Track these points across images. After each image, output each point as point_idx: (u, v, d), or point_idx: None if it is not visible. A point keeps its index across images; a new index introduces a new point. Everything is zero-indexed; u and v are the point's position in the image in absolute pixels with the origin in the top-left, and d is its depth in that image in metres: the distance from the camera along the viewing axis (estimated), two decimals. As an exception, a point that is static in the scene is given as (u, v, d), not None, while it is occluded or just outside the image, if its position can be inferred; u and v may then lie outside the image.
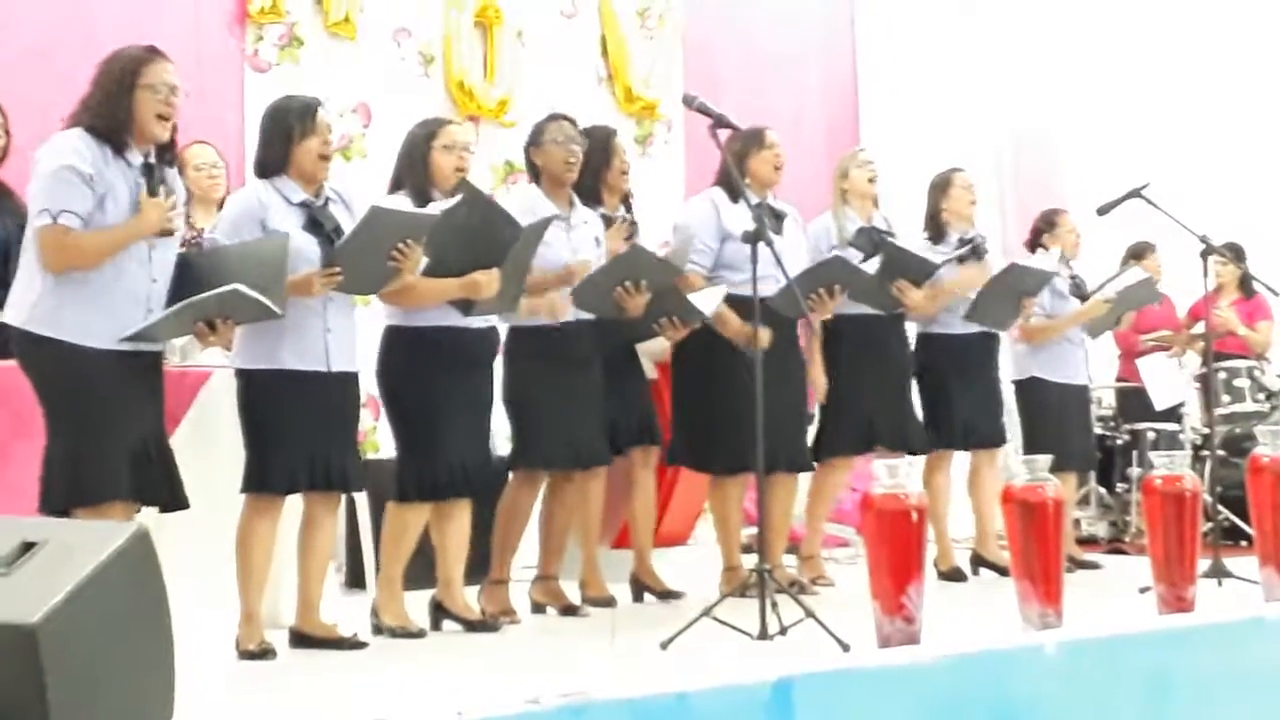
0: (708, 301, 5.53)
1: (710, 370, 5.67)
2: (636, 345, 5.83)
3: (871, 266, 6.04)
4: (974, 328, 6.59)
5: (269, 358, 4.60)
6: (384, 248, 4.62)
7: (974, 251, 6.58)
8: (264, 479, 4.61)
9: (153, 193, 4.20)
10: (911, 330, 6.70)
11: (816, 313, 5.79)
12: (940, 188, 6.73)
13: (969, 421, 6.60)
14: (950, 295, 6.46)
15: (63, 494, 4.09)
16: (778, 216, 5.86)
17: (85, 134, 4.16)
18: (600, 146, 5.70)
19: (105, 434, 4.11)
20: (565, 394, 5.34)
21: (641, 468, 5.89)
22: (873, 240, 6.17)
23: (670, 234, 6.02)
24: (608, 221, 5.66)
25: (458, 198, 4.81)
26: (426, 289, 4.87)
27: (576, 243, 5.41)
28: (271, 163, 4.68)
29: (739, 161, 5.73)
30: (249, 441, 4.65)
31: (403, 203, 4.87)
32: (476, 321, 5.03)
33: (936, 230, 6.68)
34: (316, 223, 4.62)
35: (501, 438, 5.54)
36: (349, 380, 4.75)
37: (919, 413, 6.53)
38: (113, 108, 4.18)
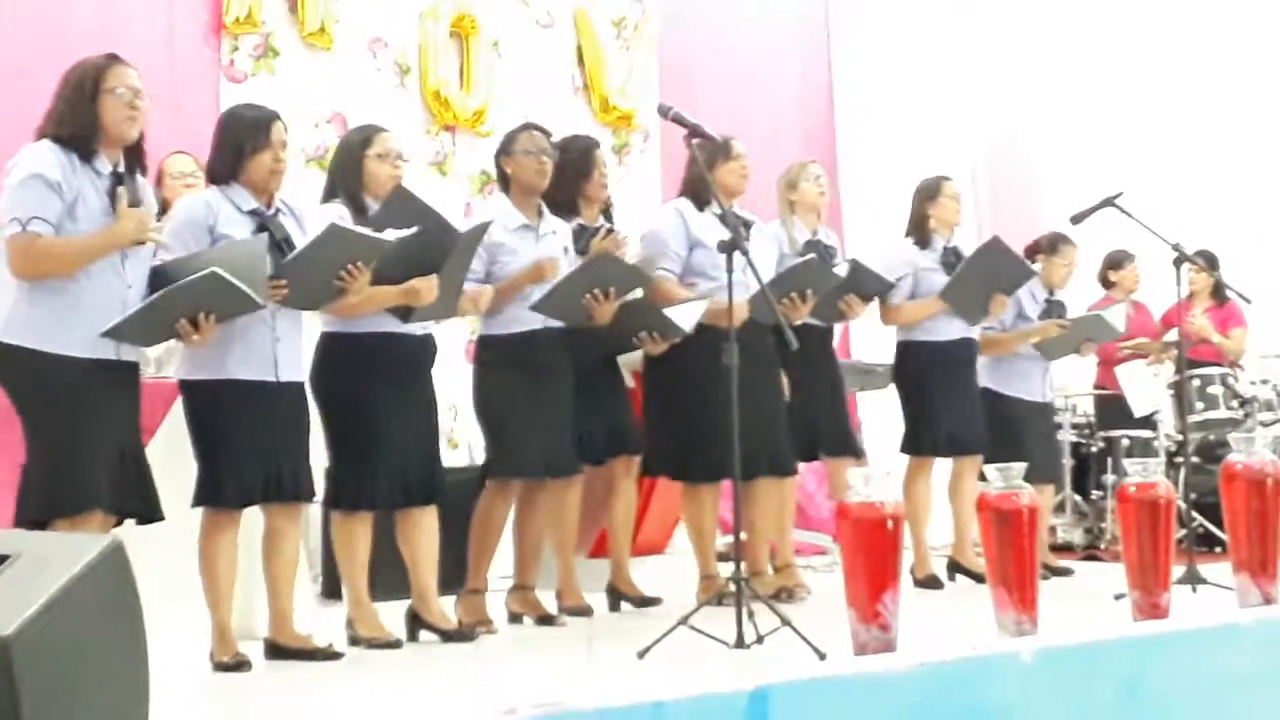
0: (688, 316, 5.53)
1: (683, 378, 5.67)
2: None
3: (840, 273, 6.08)
4: (956, 334, 6.63)
5: (216, 368, 4.54)
6: (333, 267, 4.58)
7: (959, 260, 6.62)
8: (216, 492, 4.56)
9: (132, 203, 4.20)
10: (890, 335, 6.74)
11: (790, 317, 5.80)
12: (928, 194, 6.75)
13: (952, 428, 6.63)
14: (927, 310, 6.53)
15: (41, 503, 4.06)
16: (746, 225, 5.89)
17: (52, 144, 4.16)
18: (580, 157, 5.70)
19: (82, 442, 4.09)
20: (536, 402, 5.34)
21: (623, 477, 5.88)
22: (820, 253, 6.20)
23: (639, 244, 6.02)
24: (585, 232, 5.66)
25: (414, 229, 4.74)
26: (365, 296, 4.79)
27: (544, 252, 5.41)
28: (221, 172, 4.66)
29: (707, 171, 5.76)
30: (199, 454, 4.59)
31: (358, 222, 4.82)
32: (414, 328, 5.01)
33: (922, 236, 6.70)
34: (266, 231, 4.59)
35: (477, 446, 5.54)
36: (298, 389, 4.72)
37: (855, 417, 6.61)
38: (77, 115, 4.17)
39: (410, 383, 5.04)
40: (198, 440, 4.61)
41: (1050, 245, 7.13)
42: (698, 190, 5.79)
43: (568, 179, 5.61)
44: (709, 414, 5.37)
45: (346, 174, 5.01)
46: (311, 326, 5.06)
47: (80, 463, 4.09)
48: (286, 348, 4.65)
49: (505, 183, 5.52)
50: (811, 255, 5.99)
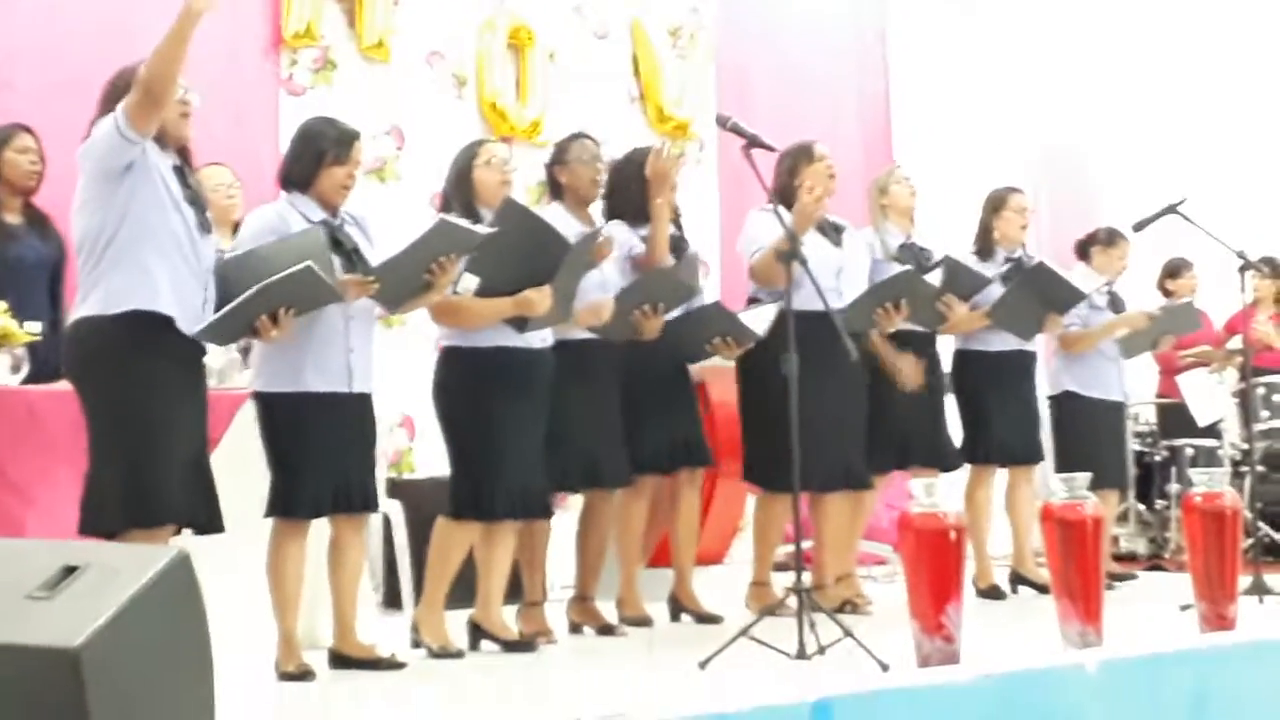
0: (760, 320, 5.50)
1: (767, 386, 5.61)
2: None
3: (933, 279, 6.03)
4: (1011, 344, 6.57)
5: (292, 379, 4.57)
6: (427, 262, 4.62)
7: (1019, 271, 6.56)
8: (289, 504, 4.59)
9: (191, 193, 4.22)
10: (947, 345, 6.69)
11: (883, 326, 5.88)
12: (994, 206, 6.72)
13: (1005, 438, 6.59)
14: (975, 324, 6.48)
15: (120, 515, 4.03)
16: (836, 229, 5.88)
17: None
18: (645, 166, 5.70)
19: (164, 451, 4.07)
20: (580, 412, 5.30)
21: (688, 487, 5.84)
22: (915, 256, 6.17)
23: (702, 251, 6.00)
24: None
25: (495, 229, 4.81)
26: (480, 309, 4.89)
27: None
28: (296, 178, 4.69)
29: (790, 178, 5.75)
30: (273, 465, 4.63)
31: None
32: (534, 341, 5.03)
33: (986, 246, 6.66)
34: (337, 241, 4.62)
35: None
36: (367, 401, 4.73)
37: (946, 428, 6.52)
38: None
39: (527, 397, 5.04)
40: (272, 452, 4.65)
41: (1108, 238, 7.10)
42: (786, 197, 5.77)
43: (636, 189, 5.61)
44: (786, 424, 5.30)
45: (459, 186, 5.07)
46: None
47: (161, 473, 4.07)
48: (359, 358, 4.67)
49: (558, 191, 5.53)
50: (908, 267, 5.95)
